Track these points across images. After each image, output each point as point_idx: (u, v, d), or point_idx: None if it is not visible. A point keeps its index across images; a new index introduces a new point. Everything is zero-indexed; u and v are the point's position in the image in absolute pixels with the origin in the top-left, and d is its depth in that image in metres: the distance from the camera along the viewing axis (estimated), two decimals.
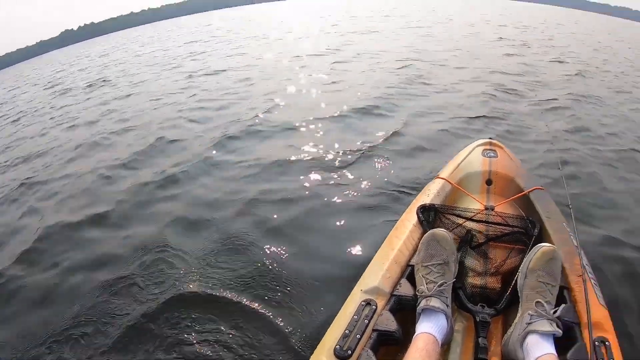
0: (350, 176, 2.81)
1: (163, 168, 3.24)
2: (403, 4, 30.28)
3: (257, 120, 4.23)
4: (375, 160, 3.05)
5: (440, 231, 1.17)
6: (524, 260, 1.14)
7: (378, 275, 1.16)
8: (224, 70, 7.82)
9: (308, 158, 3.14)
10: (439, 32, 12.25)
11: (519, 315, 1.02)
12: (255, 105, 4.87)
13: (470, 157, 1.89)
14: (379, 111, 4.28)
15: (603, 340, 0.96)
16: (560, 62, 7.87)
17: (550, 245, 1.13)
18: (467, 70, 6.51)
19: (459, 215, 1.46)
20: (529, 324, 0.95)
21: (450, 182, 1.72)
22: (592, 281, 1.20)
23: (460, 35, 11.75)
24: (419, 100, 4.76)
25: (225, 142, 3.65)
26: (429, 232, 1.19)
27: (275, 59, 8.61)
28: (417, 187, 2.29)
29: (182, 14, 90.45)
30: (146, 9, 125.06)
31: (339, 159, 3.09)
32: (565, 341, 0.97)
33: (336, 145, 3.34)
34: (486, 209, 1.56)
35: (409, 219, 1.46)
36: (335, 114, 4.17)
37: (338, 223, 2.24)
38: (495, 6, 36.47)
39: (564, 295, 1.11)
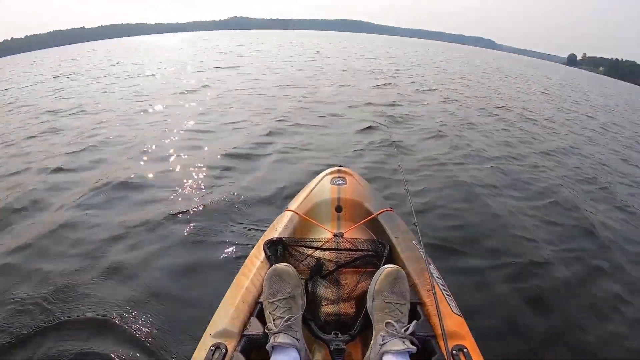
0: (201, 214, 2.69)
1: None
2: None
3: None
4: (228, 197, 2.96)
5: (281, 266, 1.16)
6: (370, 284, 1.15)
7: (227, 316, 1.12)
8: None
9: (155, 201, 2.95)
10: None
11: (373, 337, 1.03)
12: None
13: (320, 186, 1.91)
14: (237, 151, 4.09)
15: (461, 348, 0.99)
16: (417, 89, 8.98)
17: (393, 265, 1.15)
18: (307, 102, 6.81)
19: (307, 246, 1.44)
20: (382, 345, 0.97)
21: (298, 214, 1.70)
22: (444, 293, 1.23)
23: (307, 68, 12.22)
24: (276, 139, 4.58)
25: None
26: (270, 268, 1.17)
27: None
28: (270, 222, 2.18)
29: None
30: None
31: (188, 198, 2.98)
32: (424, 355, 1.00)
33: (186, 183, 3.25)
34: (335, 236, 1.57)
35: (257, 255, 1.42)
36: (185, 156, 3.99)
37: (187, 266, 2.13)
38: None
39: (417, 310, 1.14)
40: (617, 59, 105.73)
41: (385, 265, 1.15)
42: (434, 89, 9.64)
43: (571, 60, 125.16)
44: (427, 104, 7.57)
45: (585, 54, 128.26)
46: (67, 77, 11.83)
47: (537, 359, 1.73)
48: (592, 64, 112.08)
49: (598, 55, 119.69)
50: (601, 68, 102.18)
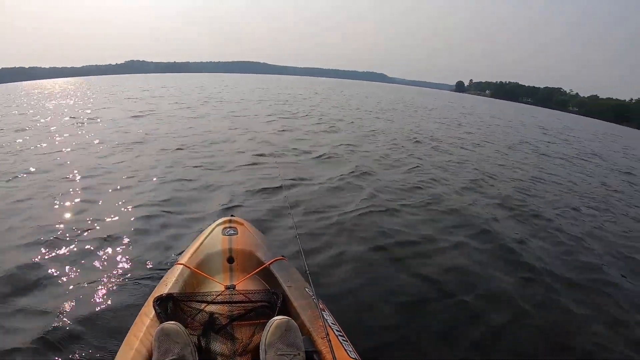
0: (88, 273, 2.54)
1: None
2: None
3: None
4: (117, 250, 2.85)
5: (169, 324, 1.13)
6: (262, 337, 1.13)
7: None
8: None
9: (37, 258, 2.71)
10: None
11: None
12: None
13: (210, 238, 1.87)
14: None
15: None
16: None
17: (283, 317, 1.16)
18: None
19: (199, 301, 1.40)
20: None
21: (189, 267, 1.65)
22: (340, 338, 1.25)
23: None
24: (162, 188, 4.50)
25: None
26: (159, 327, 1.14)
27: None
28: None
29: None
30: None
31: (67, 256, 2.76)
32: None
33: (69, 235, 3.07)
34: (227, 288, 1.54)
35: (147, 313, 1.35)
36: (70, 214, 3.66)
37: (73, 327, 2.00)
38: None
39: (314, 359, 1.14)
40: (501, 82, 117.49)
41: (275, 317, 1.16)
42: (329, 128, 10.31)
43: (459, 87, 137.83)
44: (321, 145, 7.72)
45: (471, 80, 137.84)
46: None
47: None
48: (478, 88, 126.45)
49: (484, 80, 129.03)
50: (487, 91, 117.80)
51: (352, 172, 5.64)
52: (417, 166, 6.64)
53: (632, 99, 75.09)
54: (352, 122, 12.45)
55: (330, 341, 1.10)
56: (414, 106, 24.61)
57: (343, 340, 1.25)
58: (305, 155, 6.76)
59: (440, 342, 2.15)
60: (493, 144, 10.94)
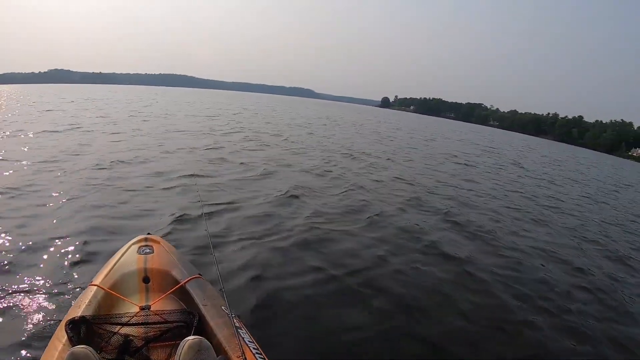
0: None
1: None
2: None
3: None
4: (29, 271, 2.68)
5: (79, 349, 1.08)
6: (175, 357, 1.09)
7: None
8: None
9: None
10: None
11: None
12: None
13: (125, 257, 1.81)
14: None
15: None
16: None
17: (195, 337, 1.13)
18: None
19: (113, 323, 1.35)
20: None
21: (103, 288, 1.58)
22: (257, 356, 1.25)
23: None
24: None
25: None
26: (68, 352, 1.07)
27: None
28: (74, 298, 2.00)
29: None
30: None
31: None
32: None
33: None
34: (142, 309, 1.48)
35: (60, 337, 1.29)
36: None
37: None
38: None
39: None
40: (425, 98, 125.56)
41: (187, 337, 1.12)
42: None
43: (385, 102, 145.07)
44: (249, 162, 7.63)
45: (396, 96, 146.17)
46: None
47: None
48: (403, 104, 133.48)
49: (408, 97, 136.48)
50: (412, 107, 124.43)
51: (282, 192, 5.52)
52: (351, 182, 6.78)
53: (548, 113, 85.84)
54: (285, 138, 12.32)
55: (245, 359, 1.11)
56: (344, 121, 25.77)
57: (260, 358, 1.26)
58: (229, 172, 6.60)
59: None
60: (421, 157, 11.85)
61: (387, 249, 3.81)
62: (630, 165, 36.74)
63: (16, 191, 4.51)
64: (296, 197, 5.33)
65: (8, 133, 9.09)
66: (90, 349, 1.09)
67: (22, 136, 8.82)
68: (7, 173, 5.37)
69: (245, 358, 1.13)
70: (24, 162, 6.04)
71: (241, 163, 7.44)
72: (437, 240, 4.20)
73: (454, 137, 24.87)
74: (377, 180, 7.24)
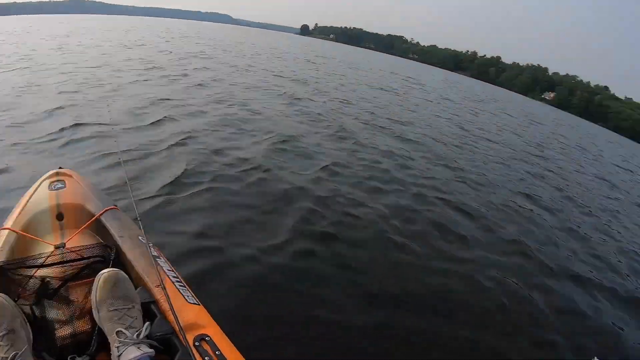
0: None
1: None
2: None
3: None
4: None
5: None
6: (91, 294, 1.06)
7: None
8: None
9: None
10: None
11: (111, 350, 0.98)
12: None
13: (36, 195, 1.70)
14: None
15: (203, 337, 0.98)
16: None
17: (110, 269, 1.10)
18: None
19: (28, 266, 1.27)
20: (119, 356, 0.93)
21: (14, 231, 1.48)
22: (177, 284, 1.24)
23: None
24: None
25: None
26: None
27: None
28: None
29: None
30: None
31: None
32: (169, 354, 0.97)
33: None
34: (57, 248, 1.42)
35: None
36: None
37: None
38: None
39: (152, 310, 1.10)
40: (346, 27, 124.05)
41: (102, 271, 1.09)
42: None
43: (304, 30, 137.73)
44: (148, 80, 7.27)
45: (317, 24, 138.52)
46: None
47: (292, 338, 1.82)
48: (323, 32, 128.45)
49: (329, 25, 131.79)
50: (332, 35, 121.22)
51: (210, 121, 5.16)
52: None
53: (467, 51, 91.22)
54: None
55: (165, 288, 1.10)
56: (274, 49, 25.28)
57: (180, 286, 1.25)
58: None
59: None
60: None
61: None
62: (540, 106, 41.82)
63: None
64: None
65: None
66: (5, 296, 1.04)
67: None
68: None
69: (164, 286, 1.10)
70: None
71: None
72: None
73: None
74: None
